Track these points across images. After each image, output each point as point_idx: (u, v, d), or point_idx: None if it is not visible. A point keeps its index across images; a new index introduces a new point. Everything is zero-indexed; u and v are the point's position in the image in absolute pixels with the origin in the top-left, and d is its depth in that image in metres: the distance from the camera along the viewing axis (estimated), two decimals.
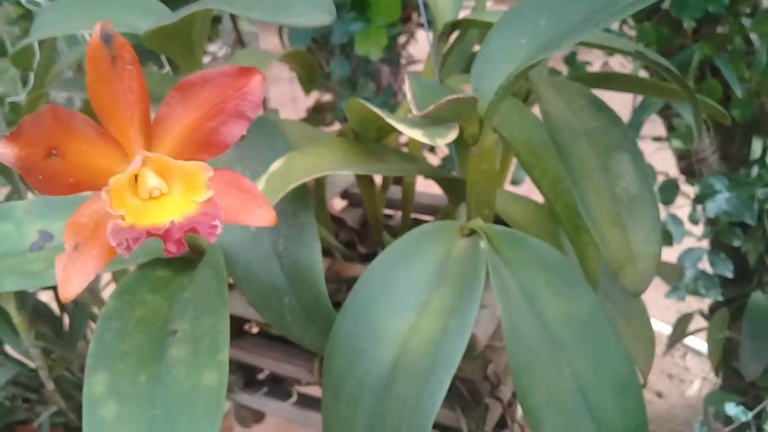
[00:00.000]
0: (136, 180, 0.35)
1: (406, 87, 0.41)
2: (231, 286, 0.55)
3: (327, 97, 0.92)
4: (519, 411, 0.79)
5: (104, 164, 0.34)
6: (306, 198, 0.50)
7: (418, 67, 1.02)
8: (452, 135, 0.41)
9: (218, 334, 0.39)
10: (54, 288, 0.77)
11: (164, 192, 0.34)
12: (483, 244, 0.44)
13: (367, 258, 0.72)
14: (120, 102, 0.35)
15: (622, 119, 0.57)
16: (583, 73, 0.69)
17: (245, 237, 0.50)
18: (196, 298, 0.42)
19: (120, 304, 0.42)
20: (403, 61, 0.87)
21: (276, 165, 0.49)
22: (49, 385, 0.70)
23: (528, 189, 0.69)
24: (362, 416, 0.42)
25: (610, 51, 0.70)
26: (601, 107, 0.57)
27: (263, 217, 0.36)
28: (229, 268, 0.49)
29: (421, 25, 0.89)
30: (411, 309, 0.43)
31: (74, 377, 0.78)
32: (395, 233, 0.77)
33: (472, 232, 0.46)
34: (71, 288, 0.33)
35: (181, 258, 0.49)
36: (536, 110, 0.63)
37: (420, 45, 0.94)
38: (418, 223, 0.77)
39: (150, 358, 0.39)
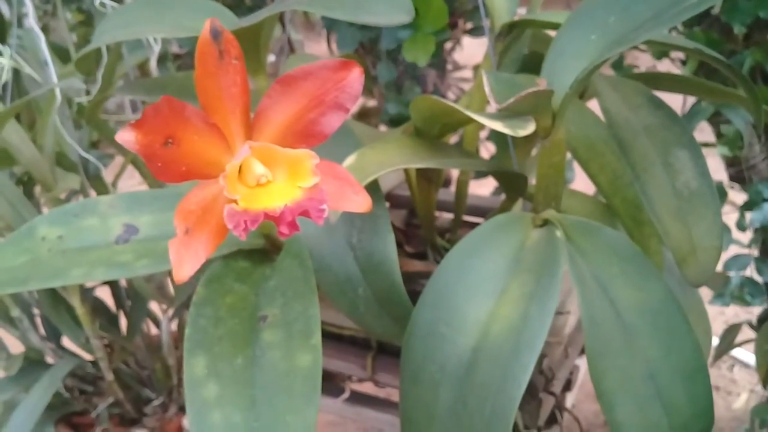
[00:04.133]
0: (241, 170, 0.37)
1: (484, 81, 0.43)
2: None
3: (372, 103, 0.94)
4: (568, 403, 0.80)
5: (211, 154, 0.36)
6: (378, 192, 0.51)
7: (465, 74, 1.04)
8: (531, 127, 0.42)
9: (309, 318, 0.41)
10: (110, 283, 0.79)
11: (269, 179, 0.36)
12: (559, 233, 0.45)
13: (415, 257, 0.74)
14: (225, 95, 0.37)
15: (679, 117, 0.58)
16: (639, 72, 0.70)
17: (320, 230, 0.51)
18: (283, 285, 0.44)
19: (210, 292, 0.44)
20: (449, 66, 0.89)
21: (349, 160, 0.50)
22: (109, 376, 0.72)
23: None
24: (444, 400, 0.44)
25: (662, 52, 0.71)
26: (659, 104, 0.58)
27: (359, 203, 0.37)
28: None
29: (467, 32, 0.91)
30: (489, 296, 0.44)
31: (130, 369, 0.80)
32: (442, 234, 0.78)
33: (545, 223, 0.48)
34: (184, 270, 0.35)
35: (259, 250, 0.51)
36: (591, 107, 0.64)
37: (465, 52, 0.96)
38: (467, 224, 0.79)
39: (244, 341, 0.41)
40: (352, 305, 0.51)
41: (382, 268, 0.49)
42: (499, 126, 0.41)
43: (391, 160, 0.51)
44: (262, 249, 0.51)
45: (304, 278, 0.43)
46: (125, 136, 0.32)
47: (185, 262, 0.35)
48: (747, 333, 0.91)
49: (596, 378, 0.44)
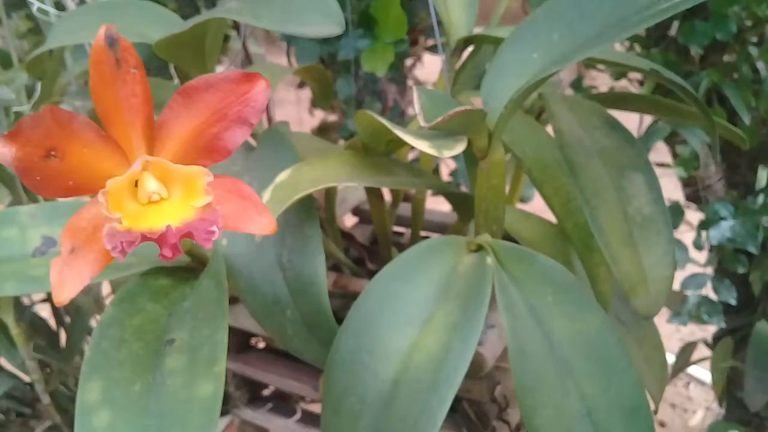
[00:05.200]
0: (137, 185, 0.34)
1: (414, 98, 0.41)
2: (237, 299, 0.55)
3: (332, 118, 0.92)
4: None
5: (105, 168, 0.34)
6: (312, 210, 0.49)
7: None
8: (459, 147, 0.40)
9: (216, 345, 0.38)
10: (51, 301, 0.76)
11: (164, 197, 0.34)
12: (490, 259, 0.43)
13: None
14: (123, 106, 0.34)
15: (636, 139, 0.56)
16: (597, 93, 0.68)
17: (250, 248, 0.49)
18: (196, 307, 0.42)
19: (119, 311, 0.42)
20: (410, 82, 0.87)
21: (282, 176, 0.48)
22: (45, 399, 0.69)
23: (541, 207, 0.68)
24: None
25: (621, 72, 0.69)
26: (615, 126, 0.56)
27: (263, 224, 0.35)
28: (233, 279, 0.49)
29: (428, 49, 0.89)
30: (413, 325, 0.42)
31: (70, 392, 0.78)
32: (402, 250, 0.76)
33: (479, 248, 0.45)
34: (65, 292, 0.32)
35: (184, 267, 0.48)
36: (550, 129, 0.62)
37: (427, 69, 0.94)
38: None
39: (146, 367, 0.39)
40: (281, 328, 0.48)
41: (311, 289, 0.47)
42: (423, 145, 0.39)
43: (327, 177, 0.49)
44: (188, 266, 0.49)
45: (218, 300, 0.41)
46: None
47: (67, 283, 0.33)
48: (703, 351, 0.91)
49: (527, 415, 0.42)
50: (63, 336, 0.78)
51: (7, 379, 0.71)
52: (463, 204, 0.57)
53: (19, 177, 0.30)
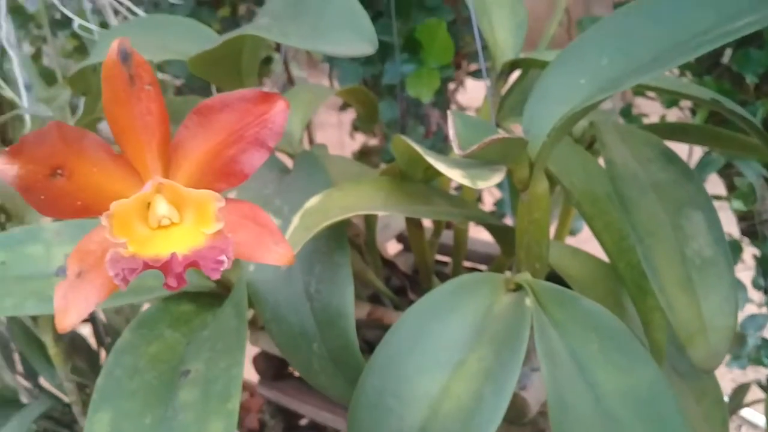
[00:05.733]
0: (149, 207, 0.33)
1: (449, 124, 0.38)
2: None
3: (373, 142, 0.90)
4: None
5: (117, 189, 0.32)
6: (342, 238, 0.47)
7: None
8: (496, 178, 0.37)
9: (231, 380, 0.36)
10: (91, 320, 0.76)
11: (175, 222, 0.32)
12: (529, 301, 0.40)
13: None
14: (137, 124, 0.33)
15: (694, 173, 0.52)
16: (652, 123, 0.64)
17: (277, 275, 0.47)
18: (215, 337, 0.40)
19: (136, 337, 0.40)
20: (453, 107, 0.84)
21: (312, 201, 0.46)
22: (82, 422, 0.68)
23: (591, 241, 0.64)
24: None
25: (672, 100, 0.65)
26: (672, 159, 0.52)
27: (279, 255, 0.33)
28: (259, 308, 0.47)
29: (471, 74, 0.86)
30: (444, 368, 0.39)
31: None
32: (445, 281, 0.73)
33: (519, 287, 0.42)
34: (69, 318, 0.31)
35: (209, 293, 0.47)
36: (602, 161, 0.58)
37: (469, 95, 0.91)
38: (469, 271, 0.73)
39: (159, 399, 0.37)
40: (306, 362, 0.46)
41: (339, 322, 0.44)
42: (456, 175, 0.36)
43: (359, 204, 0.46)
44: (212, 292, 0.47)
45: (237, 331, 0.39)
46: None
47: (71, 308, 0.31)
48: (756, 393, 0.85)
49: None
50: (103, 355, 0.77)
51: (46, 399, 0.71)
52: (505, 238, 0.53)
53: (22, 195, 0.29)
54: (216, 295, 0.46)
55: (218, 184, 0.33)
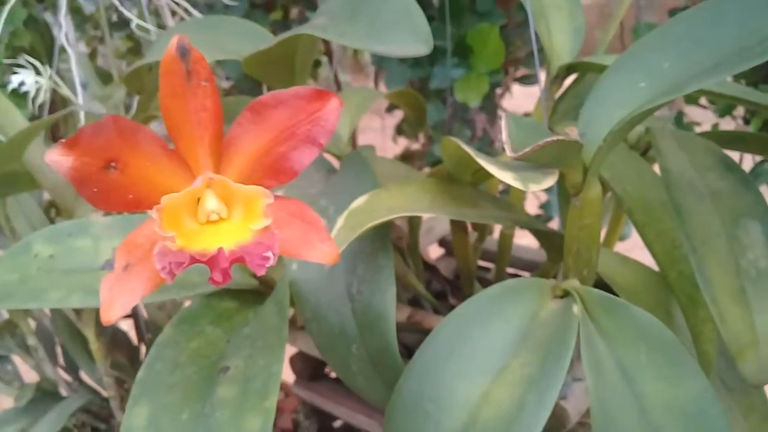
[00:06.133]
0: (199, 202, 0.33)
1: (503, 125, 0.37)
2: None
3: (416, 146, 0.90)
4: None
5: (169, 183, 0.32)
6: (386, 239, 0.46)
7: None
8: (548, 182, 0.36)
9: (270, 377, 0.36)
10: (132, 315, 0.77)
11: (223, 217, 0.32)
12: (576, 308, 0.39)
13: None
14: (192, 120, 0.33)
15: (753, 183, 0.50)
16: (710, 131, 0.62)
17: (320, 275, 0.47)
18: (256, 334, 0.40)
19: (177, 333, 0.40)
20: (499, 112, 0.83)
21: (359, 201, 0.46)
22: (119, 417, 0.69)
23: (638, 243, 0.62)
24: None
25: (726, 109, 0.63)
26: (732, 167, 0.50)
27: (325, 253, 0.33)
28: (300, 307, 0.47)
29: (517, 80, 0.85)
30: (485, 374, 0.38)
31: None
32: (486, 286, 0.72)
33: (566, 294, 0.41)
34: (114, 311, 0.31)
35: (252, 290, 0.47)
36: (656, 168, 0.57)
37: (515, 101, 0.89)
38: (512, 278, 0.72)
39: (197, 394, 0.37)
40: (345, 363, 0.45)
41: (379, 324, 0.44)
42: (507, 177, 0.36)
43: (405, 205, 0.46)
44: (255, 289, 0.47)
45: (278, 329, 0.39)
46: (54, 156, 0.28)
47: (116, 302, 0.31)
48: None
49: None
50: (143, 351, 0.78)
51: (85, 393, 0.72)
52: (551, 243, 0.52)
53: (75, 187, 0.29)
54: (258, 292, 0.46)
55: (268, 181, 0.33)
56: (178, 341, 0.39)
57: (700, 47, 0.40)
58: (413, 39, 0.41)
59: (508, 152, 0.36)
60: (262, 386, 0.36)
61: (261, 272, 0.29)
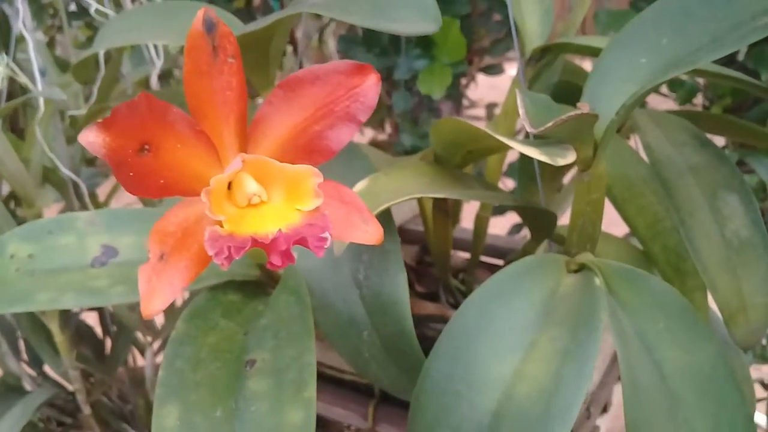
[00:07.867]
0: (230, 187, 0.31)
1: (518, 102, 0.37)
2: None
3: (382, 137, 0.89)
4: None
5: (197, 166, 0.31)
6: (391, 224, 0.46)
7: (477, 111, 0.99)
8: (572, 156, 0.36)
9: (304, 367, 0.35)
10: (98, 309, 0.73)
11: (263, 200, 0.30)
12: (598, 280, 0.39)
13: (426, 298, 0.67)
14: (217, 99, 0.31)
15: (728, 157, 0.52)
16: (681, 110, 0.65)
17: (323, 263, 0.45)
18: (275, 325, 0.38)
19: (192, 328, 0.38)
20: (465, 102, 0.84)
21: (361, 185, 0.45)
22: (86, 410, 0.65)
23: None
24: None
25: (686, 98, 0.66)
26: (705, 143, 0.53)
27: (370, 233, 0.32)
28: None
29: (482, 69, 0.86)
30: (515, 350, 0.38)
31: (112, 403, 0.74)
32: (455, 274, 0.72)
33: (581, 268, 0.42)
34: (155, 303, 0.29)
35: (253, 282, 0.45)
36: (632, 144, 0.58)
37: (480, 91, 0.91)
38: (483, 265, 0.73)
39: (226, 390, 0.35)
40: (356, 351, 0.44)
41: (392, 310, 0.43)
42: (535, 153, 0.36)
43: (407, 187, 0.45)
44: (257, 281, 0.45)
45: (301, 318, 0.38)
46: (90, 137, 0.26)
47: (157, 293, 0.29)
48: (758, 392, 0.85)
49: None
50: (109, 345, 0.74)
51: (50, 387, 0.68)
52: (540, 221, 0.53)
53: (114, 171, 0.27)
54: (261, 284, 0.45)
55: (301, 161, 0.32)
56: (194, 336, 0.37)
57: (695, 23, 0.41)
58: (420, 16, 0.40)
59: (528, 128, 0.36)
60: (297, 376, 0.34)
61: (320, 254, 0.28)
